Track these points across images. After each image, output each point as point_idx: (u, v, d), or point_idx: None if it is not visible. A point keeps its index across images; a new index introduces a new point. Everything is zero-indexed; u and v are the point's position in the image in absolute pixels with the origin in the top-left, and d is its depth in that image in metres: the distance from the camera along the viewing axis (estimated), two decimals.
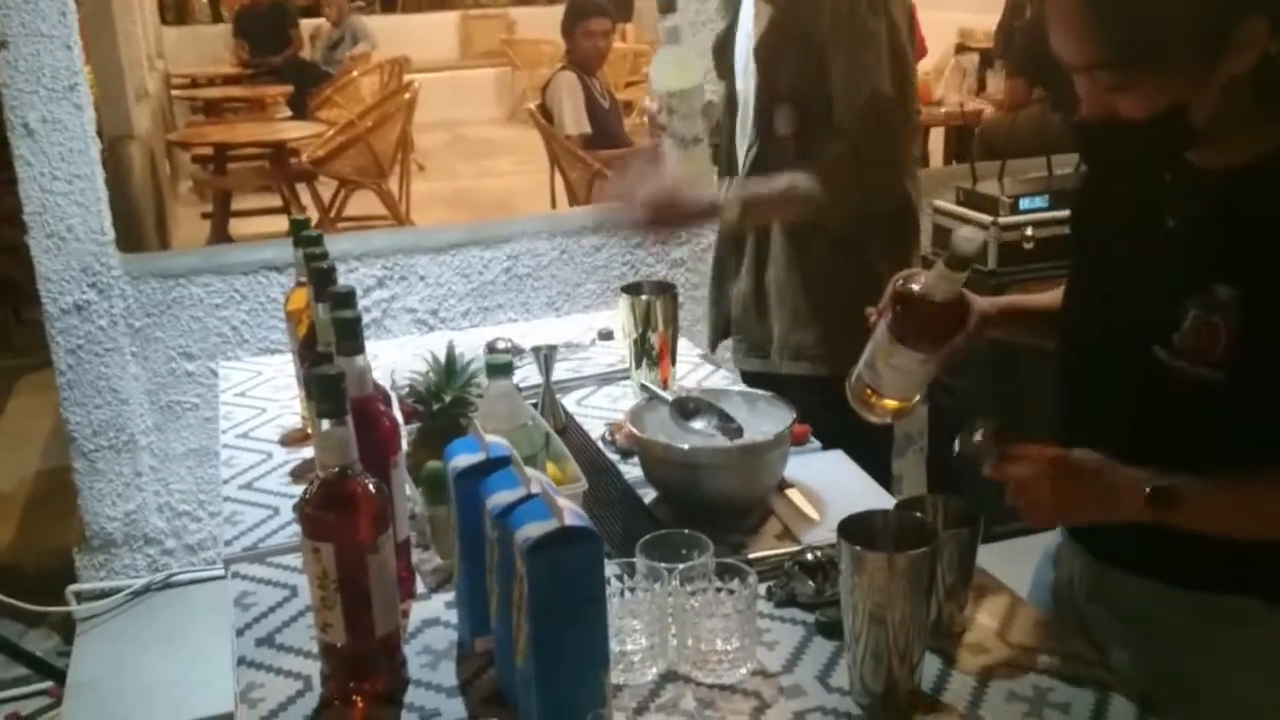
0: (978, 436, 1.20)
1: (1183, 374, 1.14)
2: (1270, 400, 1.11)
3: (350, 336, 1.25)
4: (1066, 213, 1.45)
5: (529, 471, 1.11)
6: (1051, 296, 1.42)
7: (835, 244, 1.97)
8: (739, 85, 2.06)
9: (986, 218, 3.27)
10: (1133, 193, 1.25)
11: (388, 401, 1.37)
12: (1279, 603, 1.20)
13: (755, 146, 2.01)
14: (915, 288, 1.31)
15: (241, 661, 1.25)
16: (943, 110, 5.97)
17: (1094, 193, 1.36)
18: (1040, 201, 3.28)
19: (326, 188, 6.28)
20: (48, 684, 2.87)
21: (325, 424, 1.10)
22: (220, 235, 5.99)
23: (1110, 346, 1.24)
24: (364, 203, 6.30)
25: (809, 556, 1.31)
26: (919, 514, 1.19)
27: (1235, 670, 1.21)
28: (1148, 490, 1.11)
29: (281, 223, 6.14)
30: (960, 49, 7.46)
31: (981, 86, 6.60)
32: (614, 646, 1.14)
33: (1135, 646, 1.27)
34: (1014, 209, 3.26)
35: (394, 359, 1.95)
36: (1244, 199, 1.13)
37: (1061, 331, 1.35)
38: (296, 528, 1.16)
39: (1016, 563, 1.50)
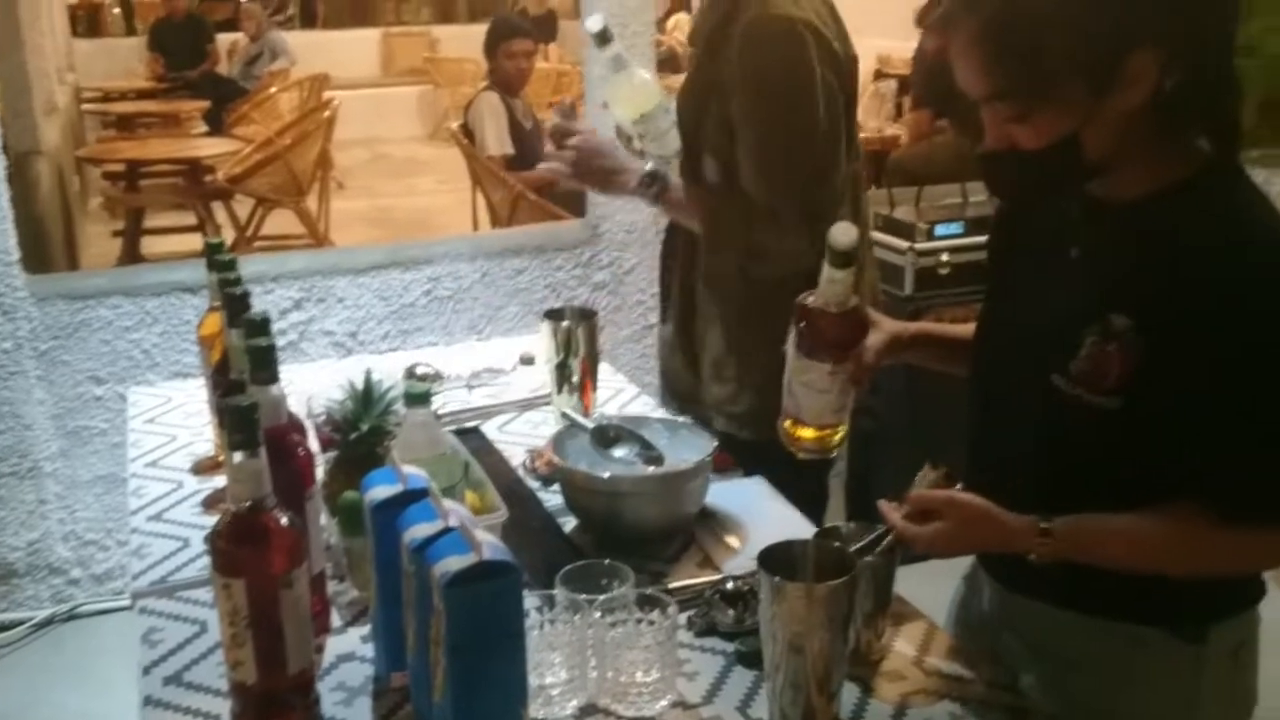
0: (924, 476, 1.23)
1: (1079, 401, 1.17)
2: (1162, 427, 1.14)
3: (264, 365, 1.23)
4: (982, 239, 1.50)
5: (447, 503, 1.10)
6: (966, 328, 1.45)
7: (764, 298, 1.86)
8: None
9: (904, 243, 3.33)
10: (1041, 224, 1.28)
11: (303, 431, 1.34)
12: (1179, 631, 1.24)
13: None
14: (811, 300, 1.32)
15: (148, 701, 1.21)
16: (861, 136, 6.05)
17: (1006, 223, 1.40)
18: (956, 228, 3.34)
19: (243, 205, 6.16)
20: None
21: (238, 456, 1.07)
22: (131, 254, 5.85)
23: (1015, 374, 1.28)
24: (281, 221, 6.20)
25: (729, 585, 1.31)
26: (838, 543, 1.20)
27: (1139, 697, 1.25)
28: (1037, 530, 1.16)
29: (196, 241, 6.02)
30: (879, 75, 7.59)
31: (899, 112, 6.72)
32: (533, 680, 1.13)
33: (1043, 673, 1.29)
34: (930, 235, 3.32)
35: (310, 385, 1.91)
36: (1140, 231, 1.17)
37: (971, 358, 1.39)
38: (207, 560, 1.13)
39: (934, 586, 1.52)
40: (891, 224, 3.44)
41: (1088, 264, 1.22)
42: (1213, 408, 1.12)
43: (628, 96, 1.87)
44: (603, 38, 1.83)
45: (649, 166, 1.86)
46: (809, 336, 1.32)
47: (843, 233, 1.25)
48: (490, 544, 1.02)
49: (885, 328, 1.41)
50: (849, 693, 1.18)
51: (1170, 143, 1.16)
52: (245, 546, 1.07)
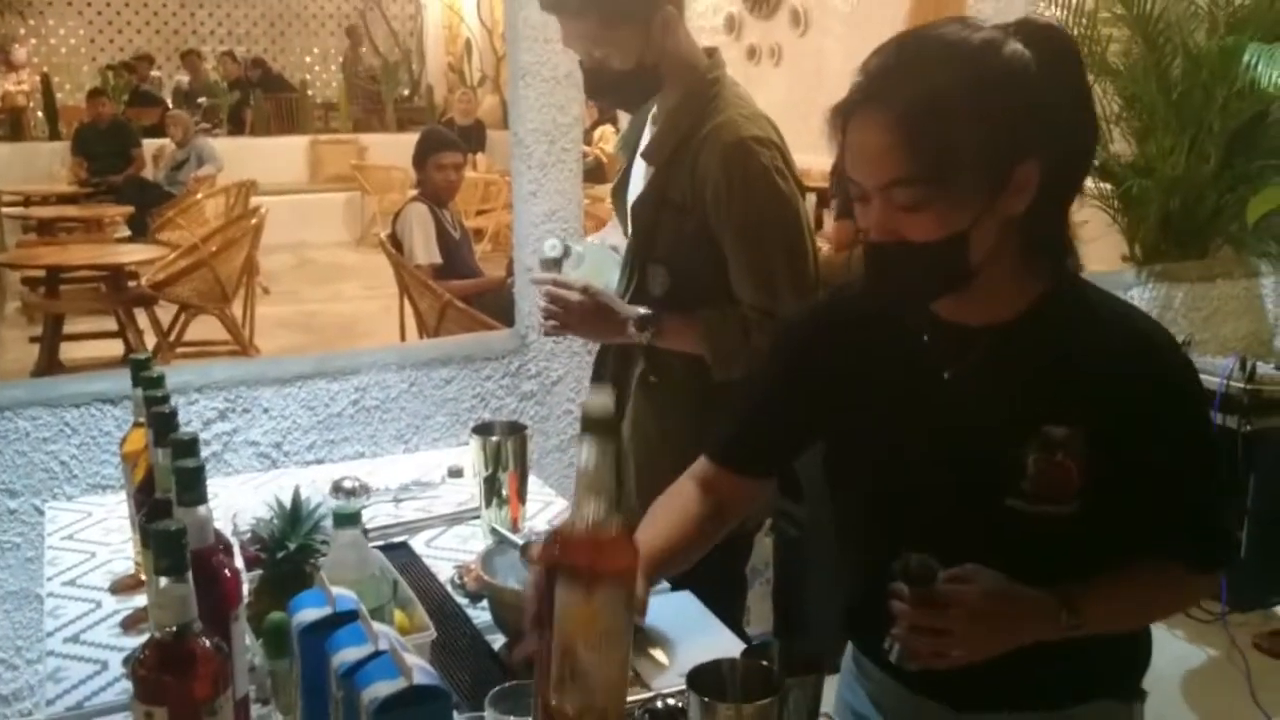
0: (913, 567, 1.19)
1: (1041, 515, 1.22)
2: (1119, 514, 1.23)
3: (192, 487, 1.23)
4: None
5: (377, 626, 1.10)
6: (660, 530, 1.40)
7: (694, 409, 1.96)
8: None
9: None
10: (885, 352, 1.33)
11: (229, 551, 1.33)
12: (1131, 696, 1.36)
13: (628, 296, 2.02)
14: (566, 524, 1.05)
15: None
16: None
17: (832, 352, 1.39)
18: None
19: (166, 311, 6.10)
20: None
21: (163, 581, 1.06)
22: (50, 360, 5.74)
23: (943, 506, 1.27)
24: (205, 327, 6.15)
25: (659, 704, 1.32)
26: (765, 661, 1.21)
27: None
28: (1062, 608, 1.20)
29: (116, 346, 5.93)
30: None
31: (819, 224, 6.91)
32: None
33: None
34: None
35: (235, 500, 1.90)
36: (1027, 347, 1.24)
37: (858, 488, 1.38)
38: (126, 684, 1.11)
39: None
40: None
41: (974, 386, 1.26)
42: (1165, 480, 1.23)
43: (595, 275, 2.03)
44: (566, 253, 2.01)
45: (641, 311, 1.93)
46: (584, 565, 1.02)
47: (597, 404, 1.03)
48: (420, 668, 1.03)
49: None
50: None
51: (1029, 262, 1.24)
52: (169, 674, 1.05)
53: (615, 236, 2.18)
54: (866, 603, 1.28)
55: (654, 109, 2.03)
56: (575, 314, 1.95)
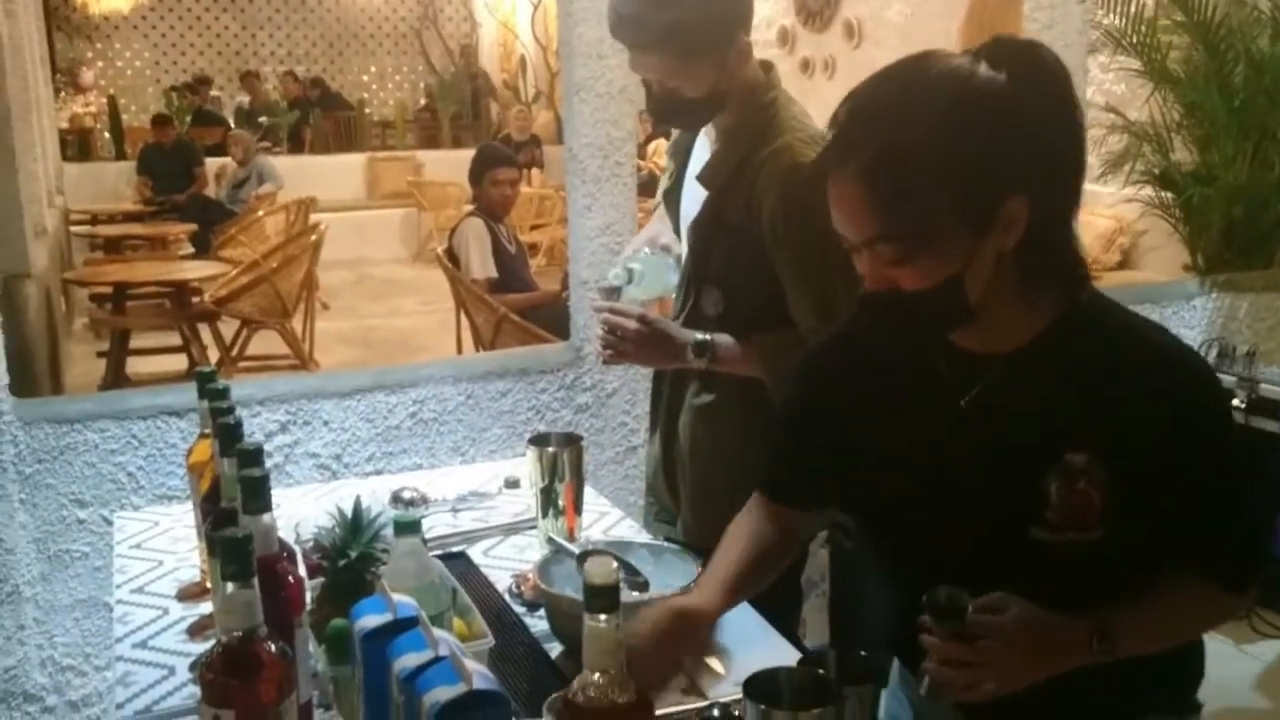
0: (942, 601, 1.16)
1: (1067, 544, 1.20)
2: (1144, 538, 1.21)
3: (257, 495, 1.25)
4: None
5: (437, 632, 1.12)
6: (739, 555, 1.44)
7: (747, 427, 1.97)
8: (682, 234, 2.09)
9: None
10: (899, 379, 1.31)
11: (293, 559, 1.36)
12: (1184, 712, 1.35)
13: (682, 316, 2.03)
14: (574, 691, 0.99)
15: None
16: None
17: (851, 380, 1.37)
18: None
19: (228, 326, 6.22)
20: None
21: (230, 586, 1.09)
22: (117, 374, 5.87)
23: (968, 536, 1.26)
24: (266, 342, 6.26)
25: (715, 712, 1.32)
26: (821, 670, 1.21)
27: None
28: (1094, 633, 1.18)
29: (181, 361, 6.05)
30: None
31: None
32: None
33: None
34: None
35: (298, 510, 1.93)
36: (1040, 373, 1.22)
37: (884, 518, 1.37)
38: (193, 688, 1.14)
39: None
40: None
41: (990, 415, 1.24)
42: (1190, 502, 1.20)
43: (655, 285, 2.07)
44: (628, 277, 2.02)
45: (699, 336, 1.94)
46: None
47: (598, 566, 0.98)
48: (480, 674, 1.04)
49: (700, 630, 1.37)
50: None
51: (1034, 288, 1.21)
52: (236, 677, 1.08)
53: (665, 234, 2.18)
54: (906, 626, 1.25)
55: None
56: (633, 342, 1.95)
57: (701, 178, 1.97)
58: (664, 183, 2.21)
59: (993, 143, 1.13)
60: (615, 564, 0.99)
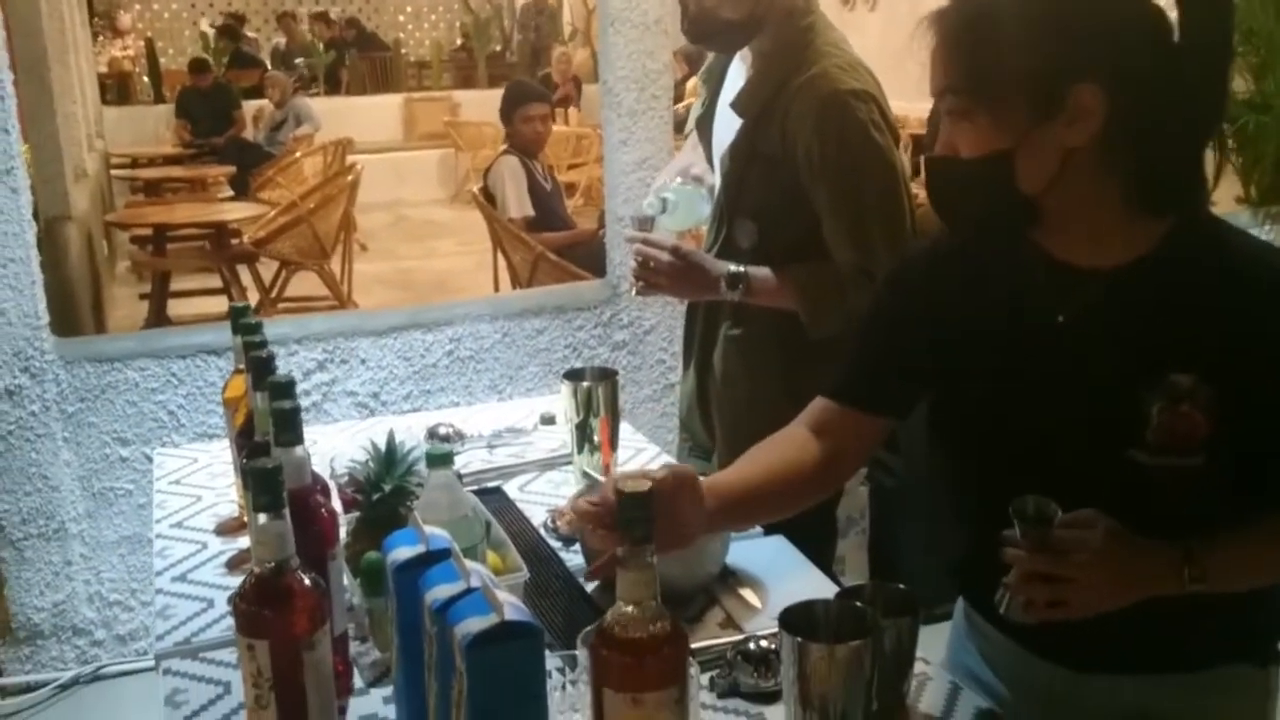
0: (1030, 509, 1.12)
1: (1166, 468, 1.15)
2: (1248, 468, 1.15)
3: (289, 428, 1.24)
4: None
5: (469, 564, 1.11)
6: (755, 470, 1.36)
7: (782, 359, 1.94)
8: (715, 164, 2.05)
9: None
10: (996, 293, 1.27)
11: (326, 492, 1.35)
12: (1254, 658, 1.28)
13: (715, 248, 2.00)
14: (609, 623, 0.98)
15: None
16: None
17: (963, 285, 1.32)
18: None
19: (267, 268, 6.25)
20: None
21: (262, 518, 1.08)
22: (158, 316, 5.92)
23: (1063, 457, 1.21)
24: (305, 284, 6.27)
25: (752, 646, 1.31)
26: (859, 603, 1.19)
27: None
28: (1183, 557, 1.12)
29: (221, 303, 6.09)
30: None
31: (915, 171, 6.77)
32: None
33: None
34: None
35: (333, 446, 1.93)
36: (1149, 292, 1.17)
37: (971, 437, 1.31)
38: (231, 621, 1.14)
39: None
40: None
41: (1091, 331, 1.20)
42: None
43: (688, 216, 2.05)
44: (661, 207, 2.00)
45: (731, 268, 1.90)
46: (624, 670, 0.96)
47: (633, 481, 0.96)
48: (512, 605, 1.03)
49: (691, 519, 1.27)
50: None
51: (1141, 202, 1.16)
52: (268, 608, 1.07)
53: (698, 164, 2.13)
54: (979, 555, 1.21)
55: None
56: (665, 274, 1.92)
57: (735, 105, 1.93)
58: (696, 110, 2.17)
59: (1072, 26, 1.11)
60: (648, 481, 0.96)
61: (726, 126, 1.98)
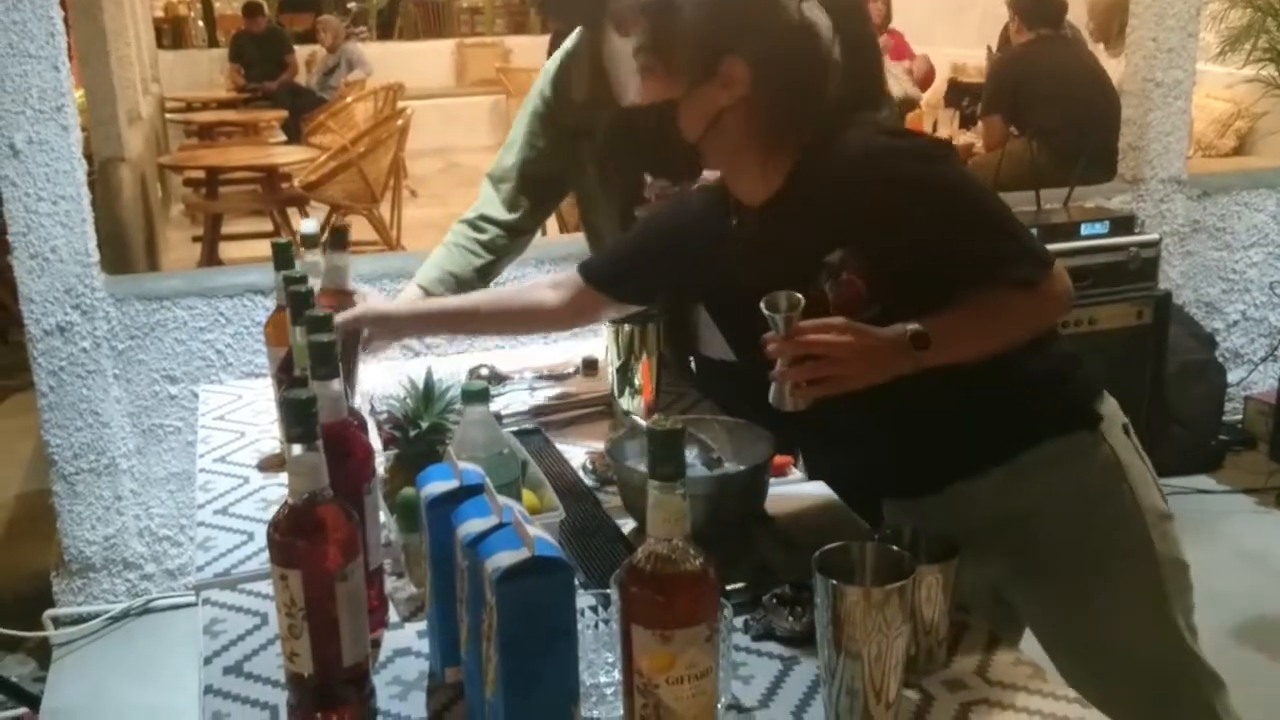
0: (782, 304, 1.28)
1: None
2: (914, 301, 1.35)
3: (324, 361, 1.24)
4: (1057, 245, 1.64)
5: (501, 500, 1.10)
6: (463, 301, 1.86)
7: None
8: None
9: None
10: (717, 230, 1.55)
11: (364, 427, 1.35)
12: (1091, 424, 1.50)
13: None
14: (639, 559, 0.97)
15: (209, 690, 1.23)
16: None
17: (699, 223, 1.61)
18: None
19: (318, 212, 6.28)
20: (22, 710, 2.83)
21: (296, 449, 1.08)
22: (210, 258, 5.98)
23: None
24: (356, 228, 6.28)
25: (787, 589, 1.29)
26: (897, 547, 1.17)
27: (1079, 503, 1.49)
28: (908, 335, 1.31)
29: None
30: (953, 84, 7.51)
31: (973, 121, 6.63)
32: (586, 679, 1.12)
33: (1004, 547, 1.51)
34: None
35: (375, 384, 1.93)
36: (793, 207, 1.44)
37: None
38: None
39: None
40: None
41: (763, 252, 1.46)
42: (948, 251, 1.37)
43: None
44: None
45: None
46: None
47: (663, 420, 0.96)
48: (543, 540, 1.02)
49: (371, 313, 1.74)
50: (908, 702, 1.15)
51: (773, 148, 1.44)
52: (301, 538, 1.07)
53: None
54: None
55: None
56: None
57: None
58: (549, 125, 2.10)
59: (730, 6, 1.40)
60: (679, 424, 0.95)
61: None
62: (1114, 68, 4.64)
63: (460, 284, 2.07)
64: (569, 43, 2.07)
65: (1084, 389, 1.55)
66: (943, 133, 6.24)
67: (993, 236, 1.41)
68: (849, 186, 1.39)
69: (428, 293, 2.03)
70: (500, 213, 2.13)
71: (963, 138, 6.01)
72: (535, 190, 2.13)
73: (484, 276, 2.12)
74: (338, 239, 1.77)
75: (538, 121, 2.10)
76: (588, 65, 2.00)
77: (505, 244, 2.14)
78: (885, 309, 1.36)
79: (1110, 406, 1.55)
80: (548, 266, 3.22)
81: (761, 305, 1.28)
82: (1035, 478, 1.49)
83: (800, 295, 1.28)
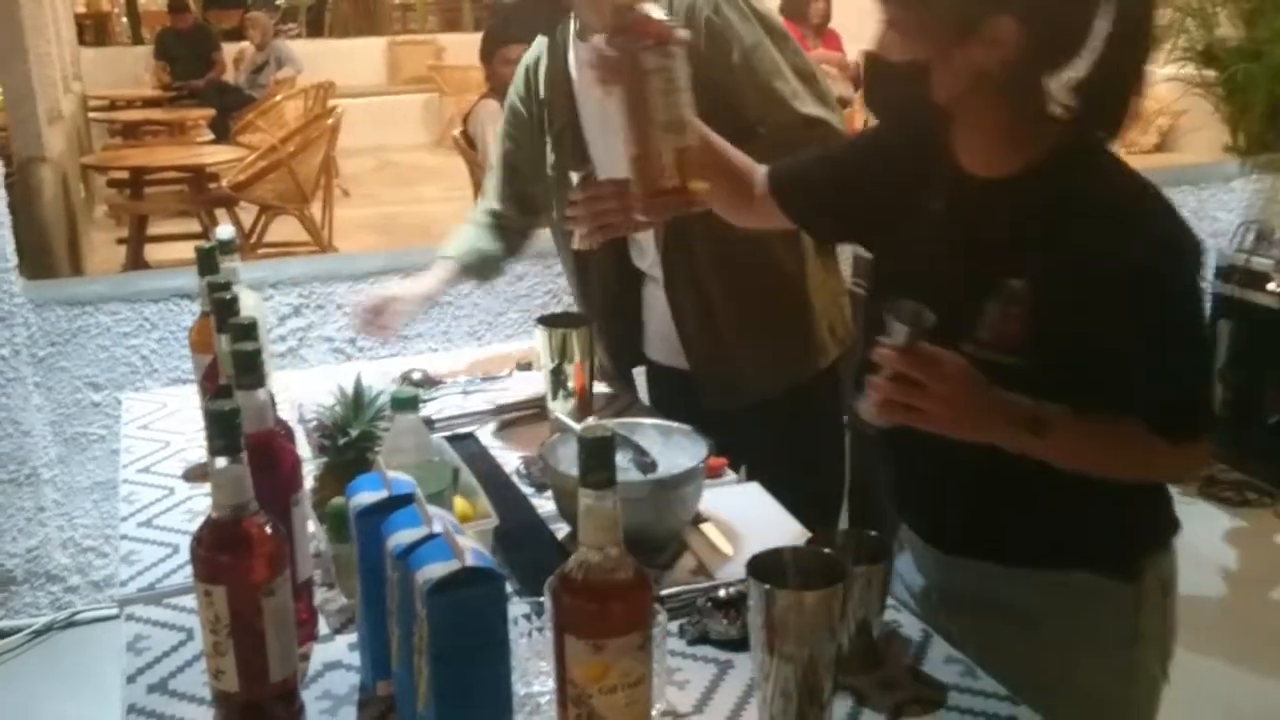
0: (905, 320, 1.19)
1: (989, 364, 1.22)
2: (1063, 377, 1.22)
3: (250, 369, 1.21)
4: None
5: (432, 509, 1.08)
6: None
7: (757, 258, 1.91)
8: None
9: None
10: (901, 179, 1.38)
11: (290, 436, 1.32)
12: (1116, 571, 1.34)
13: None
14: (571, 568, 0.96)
15: (131, 710, 1.20)
16: None
17: (877, 165, 1.45)
18: None
19: (247, 213, 6.17)
20: None
21: (220, 461, 1.06)
22: (135, 261, 5.85)
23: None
24: (286, 229, 6.21)
25: (722, 593, 1.29)
26: (829, 550, 1.17)
27: (1085, 643, 1.34)
28: (1029, 415, 1.20)
29: None
30: None
31: None
32: (520, 689, 1.11)
33: (990, 636, 1.34)
34: None
35: (304, 391, 1.90)
36: (1019, 203, 1.25)
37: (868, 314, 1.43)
38: None
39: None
40: None
41: (959, 232, 1.30)
42: (1124, 353, 1.22)
43: None
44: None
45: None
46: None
47: (596, 427, 0.97)
48: (474, 551, 1.01)
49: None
50: (841, 702, 1.16)
51: (1031, 124, 1.25)
52: (226, 553, 1.05)
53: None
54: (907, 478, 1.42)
55: None
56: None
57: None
58: (555, 134, 2.05)
59: None
60: (610, 432, 0.94)
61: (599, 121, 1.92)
62: None
63: (485, 263, 2.17)
64: (533, 51, 2.10)
65: (1148, 534, 1.39)
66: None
67: (1179, 373, 1.25)
68: (1084, 227, 1.21)
69: (459, 265, 2.14)
70: (494, 204, 2.19)
71: None
72: (517, 182, 2.16)
73: (504, 259, 2.21)
74: None
75: (512, 114, 2.14)
76: (549, 64, 2.04)
77: (506, 233, 2.19)
78: (1025, 367, 1.23)
79: (1165, 566, 1.39)
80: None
81: (886, 311, 1.19)
82: (1050, 599, 1.34)
83: (934, 316, 1.18)
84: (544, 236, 2.21)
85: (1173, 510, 1.39)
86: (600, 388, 1.98)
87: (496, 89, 4.96)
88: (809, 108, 1.81)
